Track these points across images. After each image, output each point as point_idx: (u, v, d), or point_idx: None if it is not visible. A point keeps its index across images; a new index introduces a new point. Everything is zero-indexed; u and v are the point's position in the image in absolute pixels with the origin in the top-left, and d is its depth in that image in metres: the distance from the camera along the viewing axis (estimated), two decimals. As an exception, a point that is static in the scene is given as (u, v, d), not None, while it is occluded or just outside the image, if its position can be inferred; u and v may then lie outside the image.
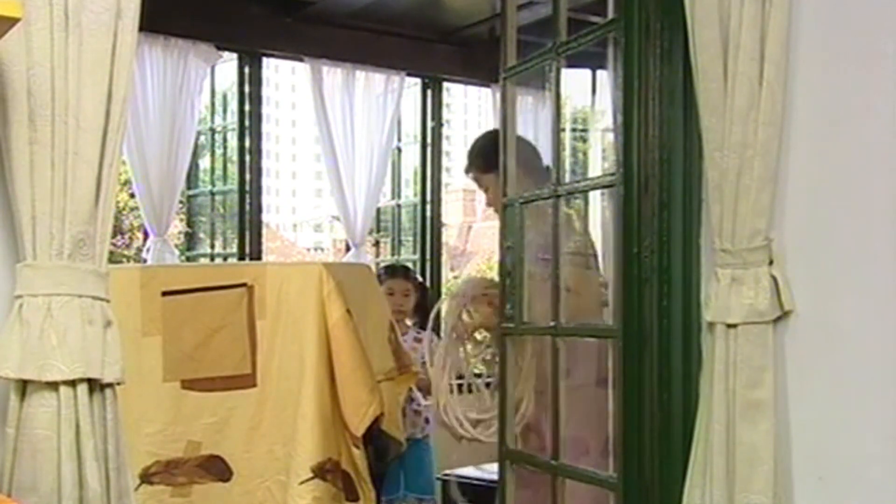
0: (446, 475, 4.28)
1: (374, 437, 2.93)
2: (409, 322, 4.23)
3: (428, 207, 5.78)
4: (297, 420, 2.68)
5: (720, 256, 1.94)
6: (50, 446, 1.64)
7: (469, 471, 4.28)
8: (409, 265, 5.37)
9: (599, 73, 5.82)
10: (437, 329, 4.27)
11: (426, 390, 3.98)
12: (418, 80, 5.77)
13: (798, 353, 1.91)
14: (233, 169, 5.33)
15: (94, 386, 1.69)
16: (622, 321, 2.21)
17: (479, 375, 3.31)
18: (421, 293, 4.41)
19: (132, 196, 5.07)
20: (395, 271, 4.46)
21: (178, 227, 5.84)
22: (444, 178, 6.00)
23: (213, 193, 5.50)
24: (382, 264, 5.50)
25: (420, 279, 4.70)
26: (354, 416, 2.69)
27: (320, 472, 2.63)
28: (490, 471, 3.79)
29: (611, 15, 2.43)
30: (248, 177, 5.13)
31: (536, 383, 2.79)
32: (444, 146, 5.94)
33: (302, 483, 2.60)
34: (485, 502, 3.87)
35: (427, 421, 4.09)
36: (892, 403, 1.78)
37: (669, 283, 2.13)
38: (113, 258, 3.31)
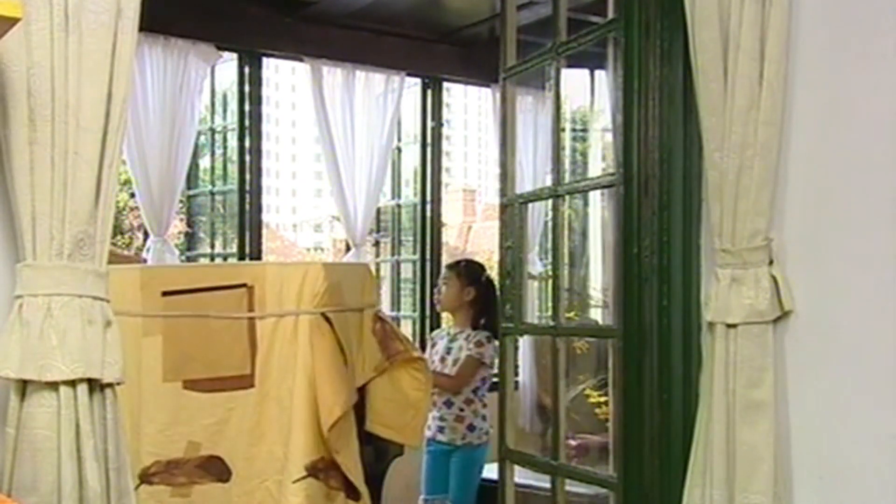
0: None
1: (374, 438, 2.92)
2: (463, 319, 4.07)
3: (428, 207, 5.78)
4: (292, 419, 2.67)
5: (720, 256, 1.94)
6: (50, 446, 1.63)
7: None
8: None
9: (599, 73, 5.82)
10: (493, 331, 3.83)
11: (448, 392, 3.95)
12: (418, 80, 5.76)
13: (798, 353, 1.91)
14: (233, 169, 5.32)
15: (94, 386, 1.69)
16: (622, 321, 2.21)
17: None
18: (478, 288, 4.07)
19: (132, 196, 5.05)
20: (448, 265, 4.37)
21: (178, 227, 5.83)
22: (444, 178, 5.99)
23: (213, 193, 5.49)
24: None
25: (479, 272, 4.19)
26: (321, 416, 2.68)
27: (313, 470, 2.63)
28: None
29: (611, 15, 2.44)
30: (248, 177, 5.12)
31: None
32: (444, 146, 5.95)
33: (295, 482, 2.60)
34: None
35: (471, 428, 3.99)
36: (892, 403, 1.78)
37: (669, 283, 2.13)
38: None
